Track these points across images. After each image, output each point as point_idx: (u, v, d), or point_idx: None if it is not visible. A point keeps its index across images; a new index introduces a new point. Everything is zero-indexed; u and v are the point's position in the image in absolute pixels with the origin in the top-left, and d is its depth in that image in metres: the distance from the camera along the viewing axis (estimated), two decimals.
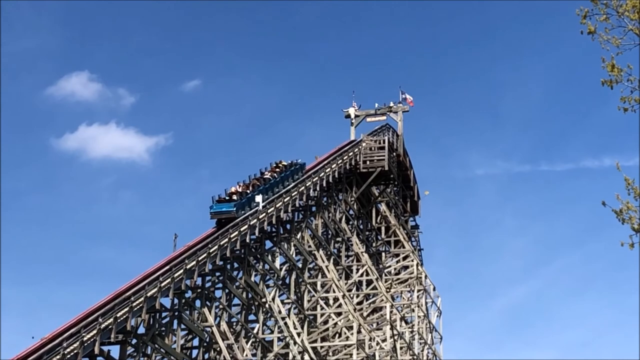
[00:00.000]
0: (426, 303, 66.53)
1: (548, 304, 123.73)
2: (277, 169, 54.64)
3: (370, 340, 56.25)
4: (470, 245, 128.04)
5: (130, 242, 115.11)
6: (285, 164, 55.78)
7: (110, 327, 34.71)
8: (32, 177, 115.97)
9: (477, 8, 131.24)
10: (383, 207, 68.56)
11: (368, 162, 64.61)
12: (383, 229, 68.17)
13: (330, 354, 55.14)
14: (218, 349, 42.85)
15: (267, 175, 53.41)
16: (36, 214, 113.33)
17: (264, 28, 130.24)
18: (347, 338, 53.99)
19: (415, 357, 62.02)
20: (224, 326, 43.81)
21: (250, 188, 50.12)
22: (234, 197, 47.91)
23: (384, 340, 57.61)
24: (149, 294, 37.20)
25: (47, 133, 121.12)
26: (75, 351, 32.66)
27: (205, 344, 42.68)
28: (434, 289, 68.33)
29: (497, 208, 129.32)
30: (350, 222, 63.29)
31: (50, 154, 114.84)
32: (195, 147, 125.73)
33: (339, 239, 60.61)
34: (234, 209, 46.82)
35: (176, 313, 40.15)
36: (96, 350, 33.65)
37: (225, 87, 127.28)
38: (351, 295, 59.24)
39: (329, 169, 57.84)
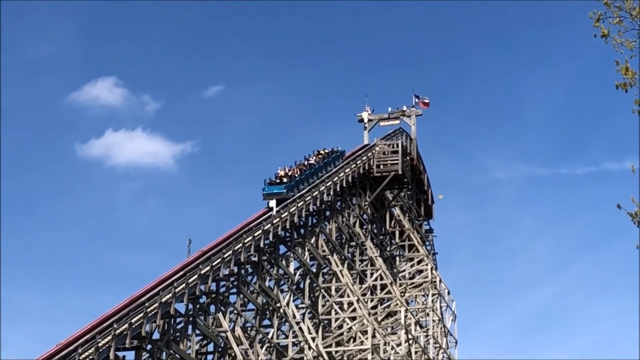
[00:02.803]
0: (441, 307, 66.41)
1: (567, 307, 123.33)
2: (320, 156, 58.18)
3: (385, 344, 56.13)
4: (489, 249, 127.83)
5: (151, 248, 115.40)
6: (327, 151, 59.42)
7: (125, 332, 34.79)
8: (56, 182, 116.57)
9: (496, 11, 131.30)
10: (397, 211, 68.46)
11: (382, 166, 64.61)
12: (397, 233, 68.08)
13: (345, 358, 55.10)
14: (233, 354, 42.88)
15: (312, 160, 56.93)
16: (58, 219, 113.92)
17: (282, 35, 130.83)
18: (362, 342, 53.93)
19: None
20: (238, 331, 43.84)
21: (298, 172, 53.63)
22: (284, 179, 51.38)
23: (398, 345, 57.52)
24: (163, 300, 37.27)
25: (72, 138, 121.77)
26: (90, 357, 32.75)
27: (220, 349, 42.72)
28: (449, 293, 68.21)
29: (517, 211, 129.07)
30: (364, 227, 63.22)
31: (75, 159, 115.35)
32: (219, 154, 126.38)
33: (353, 243, 60.56)
34: (285, 190, 50.41)
35: (191, 318, 40.18)
36: (111, 356, 33.72)
37: (245, 93, 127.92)
38: (365, 300, 59.16)
39: (342, 173, 57.82)
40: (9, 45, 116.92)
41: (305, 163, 56.35)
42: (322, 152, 59.43)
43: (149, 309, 36.27)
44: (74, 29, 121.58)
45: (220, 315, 42.66)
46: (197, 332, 41.02)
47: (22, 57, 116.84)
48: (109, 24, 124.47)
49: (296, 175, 53.22)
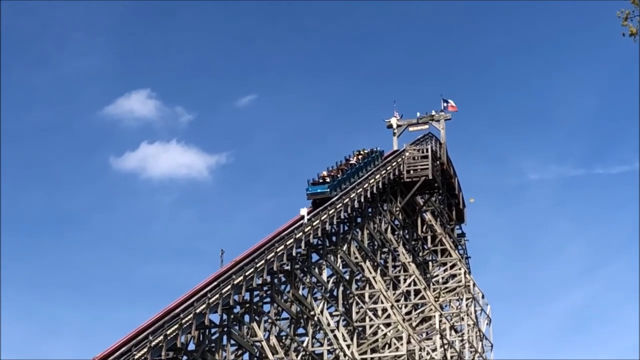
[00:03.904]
0: (475, 311, 66.09)
1: (604, 309, 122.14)
2: (360, 156, 60.24)
3: (420, 350, 55.98)
4: (524, 252, 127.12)
5: (187, 259, 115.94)
6: (366, 151, 61.45)
7: (160, 344, 34.92)
8: (92, 195, 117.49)
9: (529, 11, 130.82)
10: (428, 216, 68.28)
11: (412, 172, 64.45)
12: (429, 238, 67.89)
13: None
14: None
15: (353, 160, 58.97)
16: (94, 233, 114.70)
17: (311, 43, 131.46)
18: (397, 349, 53.75)
19: None
20: (273, 340, 43.86)
21: (340, 172, 55.66)
22: (327, 179, 53.36)
23: (434, 350, 57.30)
24: (198, 311, 37.37)
25: (107, 152, 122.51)
26: None
27: (255, 359, 42.75)
28: (483, 297, 67.89)
29: (552, 213, 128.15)
30: (396, 232, 63.11)
31: (110, 173, 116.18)
32: (253, 163, 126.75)
33: (385, 249, 60.45)
34: (328, 189, 52.56)
35: (225, 329, 40.27)
36: None
37: (277, 102, 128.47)
38: (399, 306, 59.02)
39: (373, 180, 57.77)
40: (42, 61, 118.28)
41: (346, 163, 58.36)
42: (362, 152, 61.24)
43: (183, 320, 36.40)
44: (107, 43, 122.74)
45: (254, 324, 42.71)
46: (232, 342, 41.07)
47: (56, 72, 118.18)
48: (141, 36, 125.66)
49: (338, 175, 55.00)
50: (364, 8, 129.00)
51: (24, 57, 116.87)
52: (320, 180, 53.71)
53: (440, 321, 58.77)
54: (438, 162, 67.21)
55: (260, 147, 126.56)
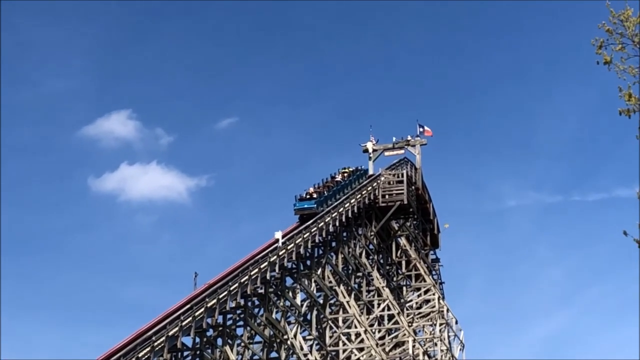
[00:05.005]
0: (449, 337, 66.07)
1: (581, 335, 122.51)
2: (345, 173, 61.91)
3: None
4: (501, 277, 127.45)
5: (165, 281, 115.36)
6: (351, 169, 63.21)
7: None
8: (71, 216, 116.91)
9: (508, 39, 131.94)
10: (403, 241, 68.29)
11: (387, 196, 64.52)
12: (403, 263, 67.89)
13: None
14: None
15: (338, 178, 60.66)
16: (71, 254, 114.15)
17: (292, 67, 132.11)
18: None
19: None
20: None
21: (326, 189, 57.30)
22: (314, 195, 54.81)
23: None
24: (170, 333, 37.15)
25: (86, 172, 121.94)
26: None
27: None
28: (456, 322, 67.89)
29: (530, 239, 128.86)
30: (371, 257, 63.08)
31: (89, 194, 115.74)
32: (232, 186, 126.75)
33: (359, 274, 60.38)
34: (315, 205, 53.96)
35: (198, 352, 40.03)
36: None
37: (257, 125, 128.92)
38: (373, 331, 58.90)
39: (348, 204, 57.79)
40: (22, 81, 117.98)
41: (332, 180, 60.05)
42: (347, 170, 62.91)
43: (155, 343, 36.17)
44: (88, 64, 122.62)
45: (227, 348, 42.47)
46: None
47: (35, 92, 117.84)
48: (121, 57, 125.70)
49: (324, 192, 56.59)
50: (343, 35, 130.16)
51: (3, 76, 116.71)
52: (307, 197, 54.93)
53: (413, 346, 58.72)
54: (413, 187, 67.35)
55: (240, 171, 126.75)
